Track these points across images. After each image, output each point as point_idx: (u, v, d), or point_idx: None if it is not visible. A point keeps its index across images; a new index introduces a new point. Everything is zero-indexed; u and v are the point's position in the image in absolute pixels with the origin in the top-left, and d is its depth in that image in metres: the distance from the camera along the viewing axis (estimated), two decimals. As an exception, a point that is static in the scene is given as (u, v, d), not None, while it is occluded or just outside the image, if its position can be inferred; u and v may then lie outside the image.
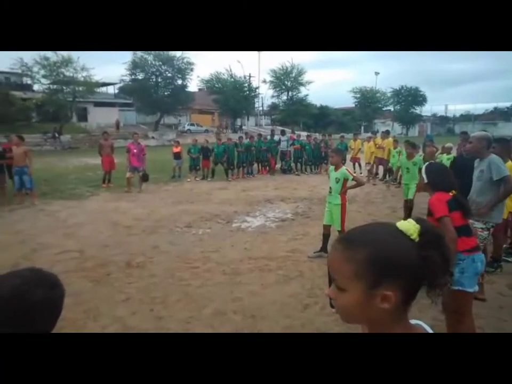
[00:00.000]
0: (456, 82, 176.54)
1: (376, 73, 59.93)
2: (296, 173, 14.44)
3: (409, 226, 0.79)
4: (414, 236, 0.78)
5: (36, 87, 35.38)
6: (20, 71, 32.20)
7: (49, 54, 31.02)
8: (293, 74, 46.19)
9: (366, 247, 0.78)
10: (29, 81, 35.51)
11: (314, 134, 20.76)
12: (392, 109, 59.47)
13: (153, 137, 34.19)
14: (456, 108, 65.40)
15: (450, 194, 2.75)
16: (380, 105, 57.03)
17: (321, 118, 52.31)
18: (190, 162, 13.08)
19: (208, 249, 5.66)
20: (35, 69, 31.67)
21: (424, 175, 2.94)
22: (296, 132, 27.88)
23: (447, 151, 9.19)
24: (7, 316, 0.91)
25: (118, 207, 8.55)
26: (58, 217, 7.66)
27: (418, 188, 6.77)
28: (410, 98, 56.26)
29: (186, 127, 41.32)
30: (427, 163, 3.22)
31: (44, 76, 32.29)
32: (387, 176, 12.31)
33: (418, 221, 0.81)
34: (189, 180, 12.72)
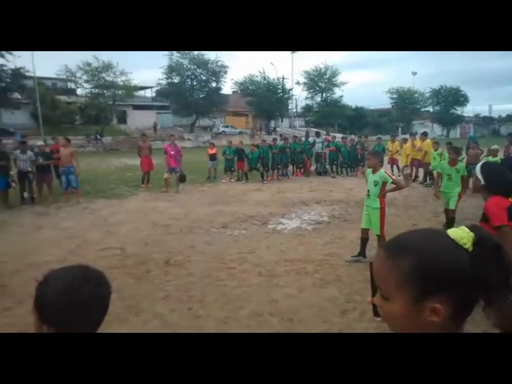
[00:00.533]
0: (501, 80, 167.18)
1: (414, 73, 58.07)
2: (332, 175, 14.24)
3: (462, 234, 0.72)
4: (468, 245, 0.71)
5: (79, 91, 37.40)
6: (64, 76, 34.06)
7: (91, 59, 32.63)
8: (327, 76, 45.67)
9: (410, 256, 0.72)
10: (73, 86, 37.49)
11: (350, 136, 20.39)
12: (431, 110, 57.38)
13: (189, 139, 34.96)
14: (502, 108, 61.72)
15: (510, 200, 2.52)
16: (418, 106, 55.18)
17: (357, 119, 51.40)
18: (225, 163, 13.27)
19: (244, 250, 5.69)
20: (78, 74, 33.46)
21: (479, 176, 2.66)
22: (331, 134, 27.51)
23: (494, 153, 8.76)
24: (58, 310, 0.95)
25: (157, 207, 8.81)
26: (101, 216, 7.99)
27: (460, 196, 6.38)
28: (450, 98, 54.05)
29: (221, 129, 41.91)
30: (483, 162, 2.96)
31: (86, 81, 34.02)
32: (427, 179, 11.88)
33: (472, 228, 0.74)
34: (224, 181, 12.89)
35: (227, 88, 51.44)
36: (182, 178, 10.89)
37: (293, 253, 5.53)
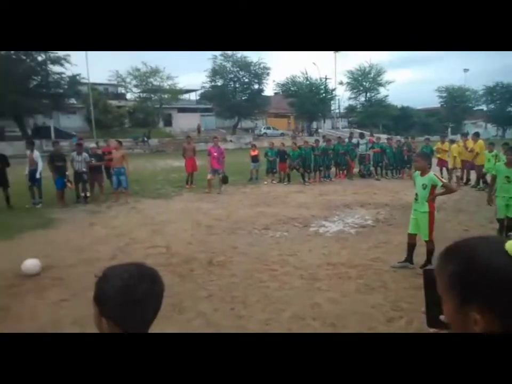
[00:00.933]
0: None
1: (465, 70, 54.91)
2: (376, 177, 13.81)
3: None
4: None
5: (128, 95, 39.32)
6: (115, 82, 35.91)
7: (139, 65, 34.12)
8: (371, 75, 44.56)
9: (456, 261, 0.72)
10: (123, 91, 39.41)
11: (395, 137, 19.69)
12: (484, 109, 53.99)
13: (231, 141, 35.47)
14: None
15: None
16: (470, 105, 52.23)
17: (403, 119, 49.52)
18: (267, 165, 13.32)
19: (286, 252, 5.68)
20: (128, 80, 35.13)
21: None
22: (375, 135, 26.78)
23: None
24: (115, 306, 1.00)
25: (200, 207, 9.02)
26: (147, 215, 8.32)
27: None
28: (507, 95, 50.51)
29: (263, 131, 42.13)
30: None
31: (135, 86, 35.71)
32: (480, 182, 11.19)
33: None
34: (265, 182, 12.94)
35: (269, 89, 51.73)
36: (224, 180, 11.09)
37: (336, 257, 5.43)
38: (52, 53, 29.10)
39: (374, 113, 43.66)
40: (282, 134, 39.42)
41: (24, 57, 28.60)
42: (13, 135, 28.88)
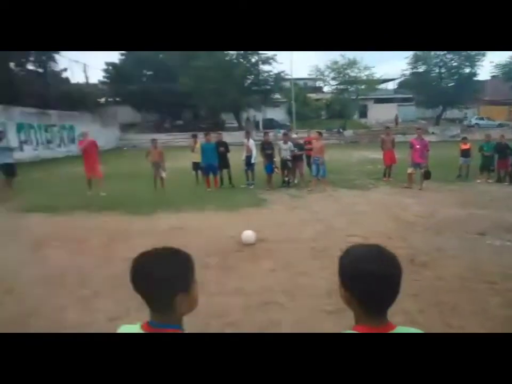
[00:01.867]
0: None
1: None
2: None
3: None
4: None
5: (325, 88, 40.66)
6: (314, 76, 37.70)
7: (338, 58, 34.67)
8: None
9: None
10: (321, 84, 41.06)
11: None
12: None
13: (433, 133, 32.03)
14: None
15: None
16: None
17: None
18: (481, 161, 11.48)
19: (510, 265, 4.77)
20: (326, 73, 36.26)
21: None
22: None
23: None
24: (349, 279, 1.09)
25: (399, 202, 8.58)
26: (344, 204, 8.50)
27: None
28: None
29: (473, 121, 36.32)
30: None
31: (332, 78, 36.52)
32: None
33: None
34: (479, 181, 11.20)
35: (484, 73, 44.00)
36: (426, 175, 10.16)
37: None
38: (263, 54, 32.93)
39: None
40: (500, 125, 33.01)
41: (242, 60, 33.37)
42: (231, 126, 34.40)
